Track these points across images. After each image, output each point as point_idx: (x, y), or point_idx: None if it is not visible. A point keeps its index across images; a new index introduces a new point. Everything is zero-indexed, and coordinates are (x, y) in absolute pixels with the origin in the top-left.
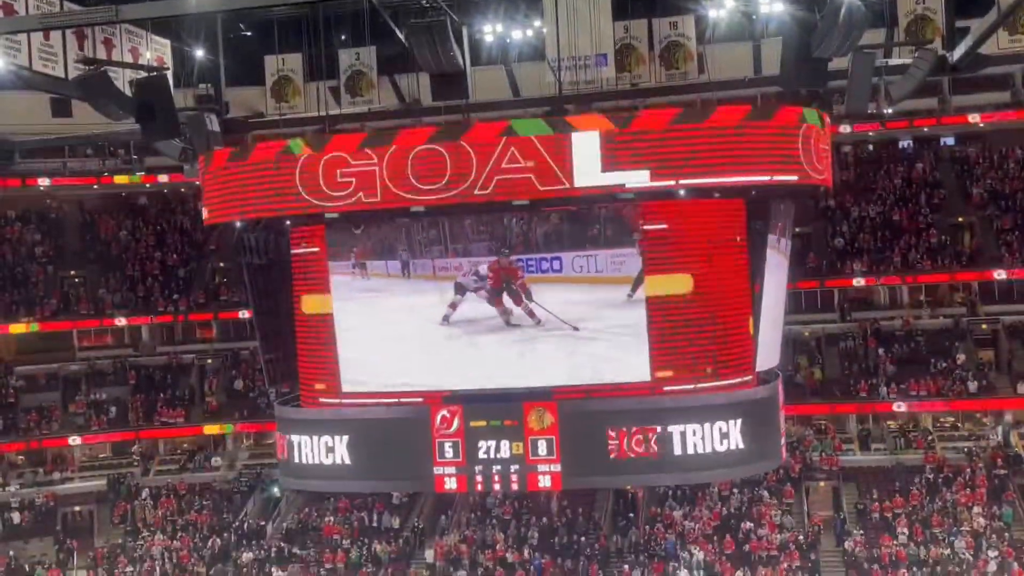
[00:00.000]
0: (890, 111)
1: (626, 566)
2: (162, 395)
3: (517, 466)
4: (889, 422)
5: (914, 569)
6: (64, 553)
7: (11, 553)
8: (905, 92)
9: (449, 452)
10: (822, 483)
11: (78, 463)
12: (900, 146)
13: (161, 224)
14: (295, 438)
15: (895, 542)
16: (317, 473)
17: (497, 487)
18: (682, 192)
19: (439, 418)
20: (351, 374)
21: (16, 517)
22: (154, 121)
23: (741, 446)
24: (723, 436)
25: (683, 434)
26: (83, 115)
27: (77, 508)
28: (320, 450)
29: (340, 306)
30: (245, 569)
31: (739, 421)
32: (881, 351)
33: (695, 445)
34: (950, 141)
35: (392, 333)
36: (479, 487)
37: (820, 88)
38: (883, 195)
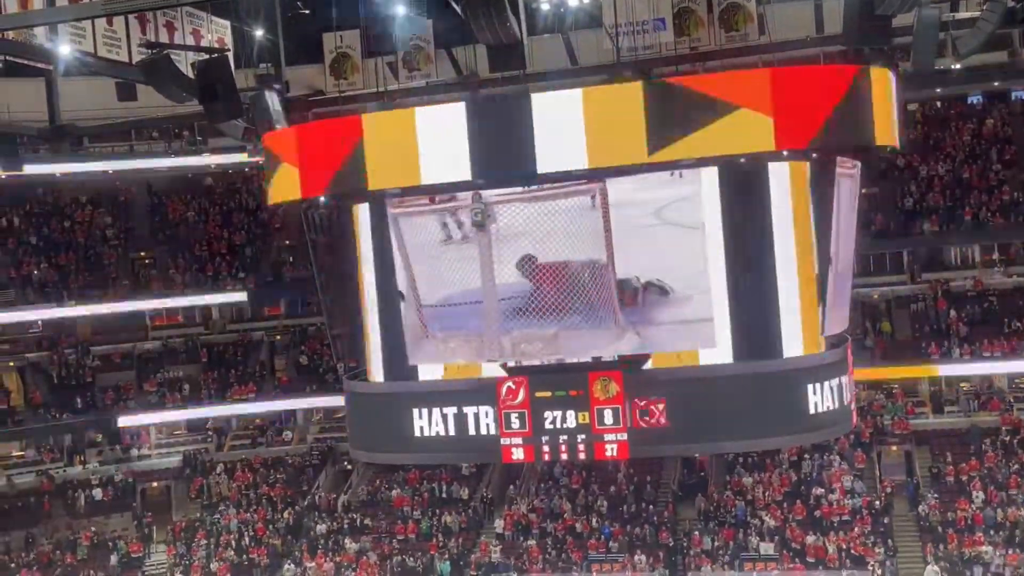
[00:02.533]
0: (958, 66)
1: (696, 533)
2: (233, 371)
3: (583, 436)
4: (963, 384)
5: (991, 532)
6: (144, 528)
7: (93, 529)
8: (973, 46)
9: (515, 423)
10: (894, 447)
11: (154, 440)
12: (969, 101)
13: (227, 204)
14: (364, 411)
15: (971, 506)
16: (386, 446)
17: (564, 457)
18: None
19: (504, 389)
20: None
21: (98, 494)
22: (217, 102)
23: (811, 411)
24: (791, 401)
25: (750, 400)
26: (148, 98)
27: (154, 484)
28: (389, 422)
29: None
30: (319, 541)
31: (808, 386)
32: (952, 312)
33: (763, 411)
34: (1022, 95)
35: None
36: (546, 457)
37: (884, 46)
38: (952, 153)
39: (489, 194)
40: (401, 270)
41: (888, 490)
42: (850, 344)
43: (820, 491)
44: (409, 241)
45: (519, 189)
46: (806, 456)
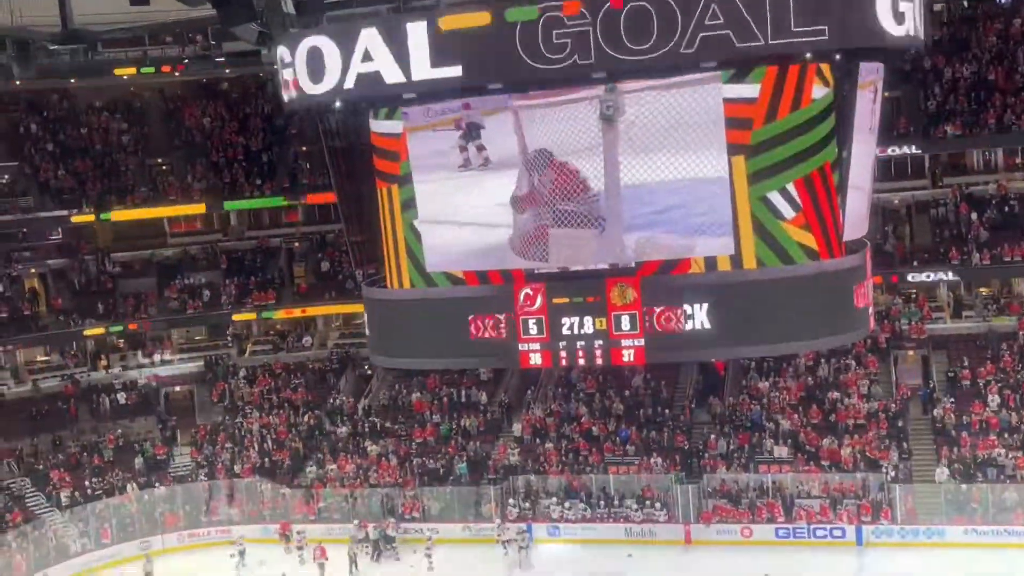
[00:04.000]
0: None
1: (712, 436)
2: (253, 279)
3: (600, 341)
4: (981, 288)
5: (1005, 435)
6: (168, 431)
7: (119, 432)
8: None
9: (533, 329)
10: (911, 352)
11: (176, 345)
12: (997, 0)
13: (243, 110)
14: (382, 318)
15: (986, 409)
16: (406, 351)
17: (581, 362)
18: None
19: (522, 296)
20: (434, 256)
21: (121, 398)
22: (230, 5)
23: (827, 316)
24: (807, 307)
25: (765, 305)
26: (161, 2)
27: (177, 388)
28: (407, 328)
29: (421, 188)
30: (340, 444)
31: (824, 291)
32: (974, 217)
33: (779, 316)
34: None
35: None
36: (563, 362)
37: None
38: (978, 54)
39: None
40: None
41: (904, 395)
42: (869, 249)
43: (836, 395)
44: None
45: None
46: (822, 361)
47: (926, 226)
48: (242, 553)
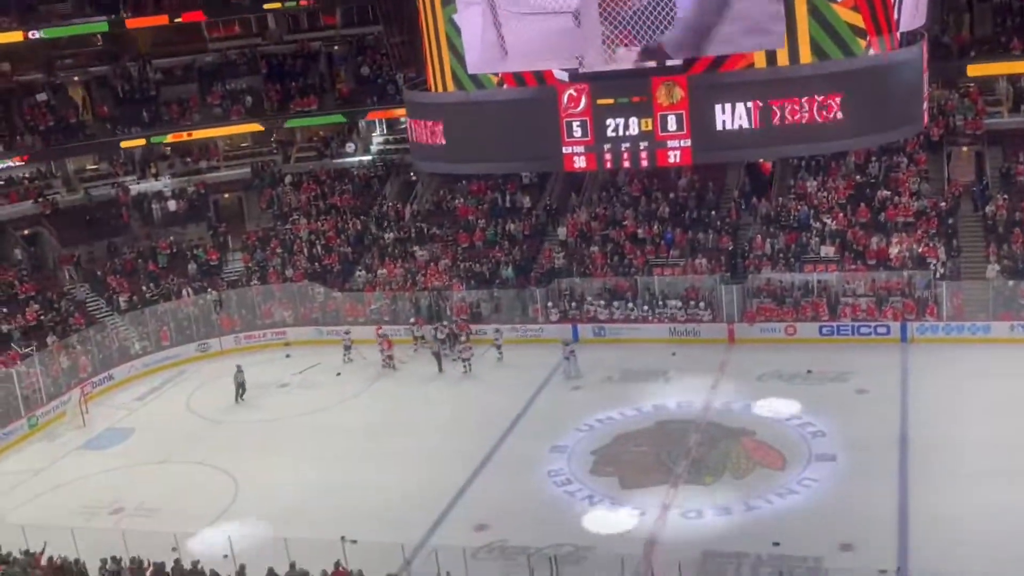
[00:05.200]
0: None
1: (758, 236)
2: (294, 84)
3: (646, 143)
4: None
5: None
6: (219, 237)
7: (172, 239)
8: None
9: (577, 131)
10: (965, 148)
11: (222, 152)
12: None
13: None
14: (426, 122)
15: None
16: (449, 156)
17: (627, 164)
18: None
19: (566, 97)
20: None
21: (172, 205)
22: None
23: (877, 113)
24: (859, 104)
25: (816, 103)
26: None
27: (226, 195)
28: (452, 132)
29: None
30: (388, 248)
31: (877, 87)
32: None
33: (828, 114)
34: None
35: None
36: (608, 165)
37: None
38: None
39: None
40: None
41: (956, 192)
42: (926, 40)
43: (886, 193)
44: None
45: None
46: (873, 159)
47: (988, 15)
48: (348, 348)
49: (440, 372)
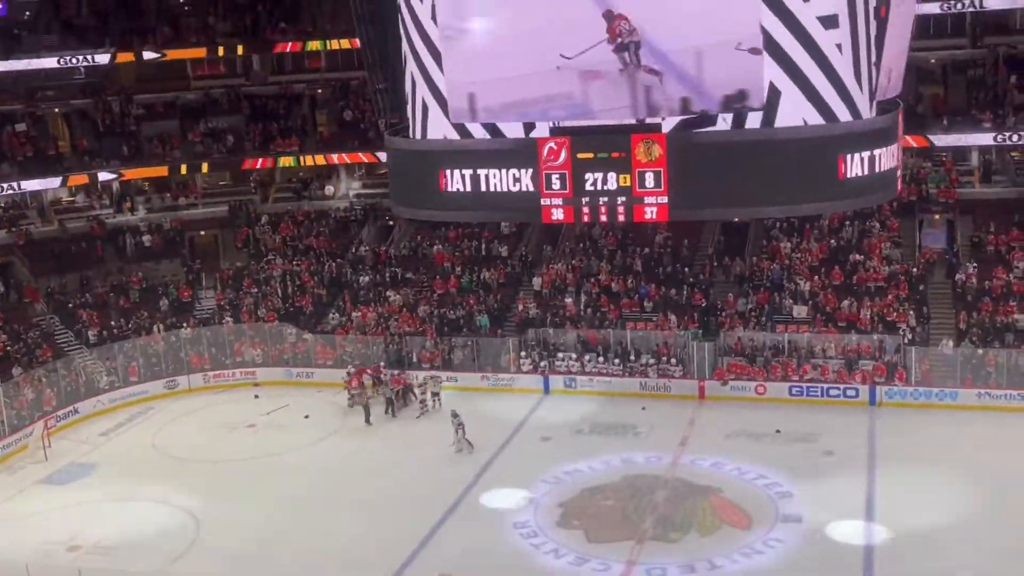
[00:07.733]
0: None
1: (730, 295)
2: (275, 125)
3: (624, 198)
4: (1013, 153)
5: None
6: (192, 274)
7: (141, 274)
8: None
9: (556, 184)
10: (937, 215)
11: (200, 190)
12: None
13: None
14: (405, 168)
15: (1009, 275)
16: (427, 202)
17: (603, 218)
18: None
19: (546, 150)
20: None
21: (147, 240)
22: None
23: (856, 176)
24: (835, 167)
25: (793, 165)
26: None
27: (202, 232)
28: (430, 179)
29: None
30: (361, 291)
31: (855, 151)
32: (1013, 79)
33: (806, 176)
34: None
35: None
36: (585, 218)
37: None
38: None
39: None
40: None
41: (928, 258)
42: (901, 110)
43: (858, 257)
44: None
45: None
46: (847, 222)
47: (961, 88)
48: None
49: (368, 424)
